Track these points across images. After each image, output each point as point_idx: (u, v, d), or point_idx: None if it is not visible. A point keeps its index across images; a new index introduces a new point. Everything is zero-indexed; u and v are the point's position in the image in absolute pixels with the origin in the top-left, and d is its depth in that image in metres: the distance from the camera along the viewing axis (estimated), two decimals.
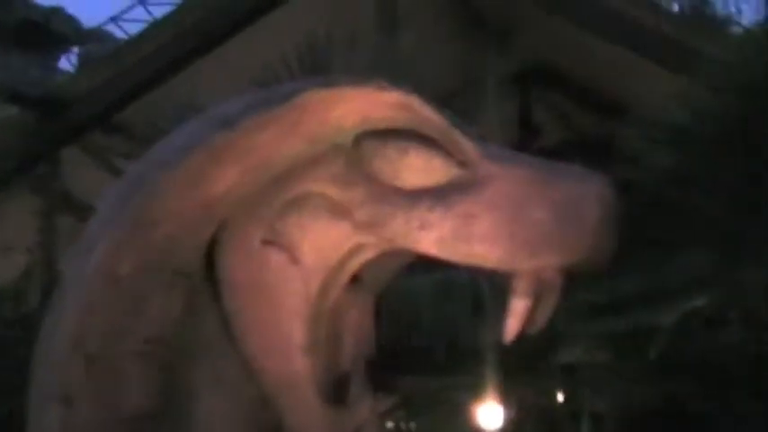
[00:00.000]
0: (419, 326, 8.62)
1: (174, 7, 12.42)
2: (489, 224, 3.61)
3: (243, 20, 11.81)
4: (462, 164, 3.72)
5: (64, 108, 12.24)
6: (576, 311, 7.73)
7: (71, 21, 35.43)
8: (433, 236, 3.67)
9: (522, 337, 3.84)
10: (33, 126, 12.37)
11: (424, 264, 4.05)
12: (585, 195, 3.60)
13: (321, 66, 8.53)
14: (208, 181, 3.82)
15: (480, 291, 8.32)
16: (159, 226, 3.80)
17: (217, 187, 3.85)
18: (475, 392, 8.88)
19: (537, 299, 3.77)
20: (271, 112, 3.78)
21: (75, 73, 16.08)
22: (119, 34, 13.01)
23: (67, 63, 35.07)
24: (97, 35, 35.33)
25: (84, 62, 34.48)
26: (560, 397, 9.39)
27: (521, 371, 8.71)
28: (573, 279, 3.81)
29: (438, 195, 3.68)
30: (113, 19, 11.72)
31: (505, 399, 8.96)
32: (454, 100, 4.97)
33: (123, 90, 12.19)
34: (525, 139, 14.07)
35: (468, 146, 3.71)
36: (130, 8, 11.78)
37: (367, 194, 3.76)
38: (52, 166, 12.74)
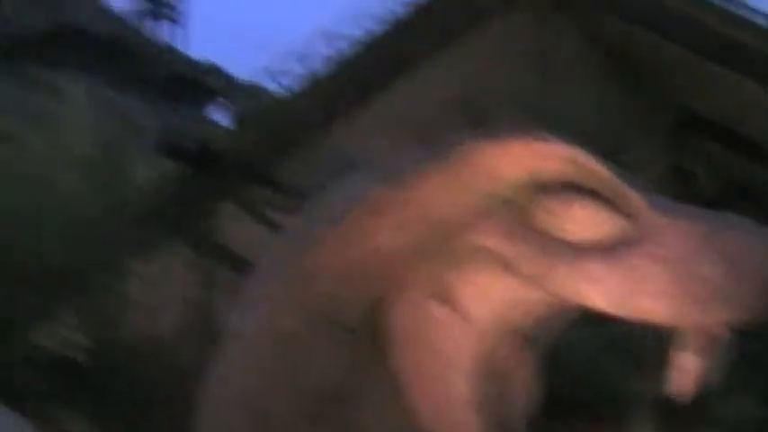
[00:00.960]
0: (581, 378, 8.52)
1: (330, 61, 12.55)
2: (657, 278, 3.53)
3: (399, 72, 11.88)
4: (629, 216, 3.66)
5: (220, 162, 12.44)
6: (739, 365, 7.55)
7: (224, 75, 36.17)
8: (599, 290, 3.60)
9: (685, 391, 3.76)
10: (191, 180, 12.60)
11: (588, 316, 3.99)
12: (756, 249, 3.51)
13: (479, 117, 8.54)
14: (370, 235, 3.82)
15: (642, 344, 8.19)
16: (321, 281, 3.80)
17: (379, 241, 3.84)
18: None
19: (703, 354, 3.69)
20: (435, 166, 3.76)
21: (231, 127, 16.40)
22: (275, 88, 13.21)
23: (220, 116, 35.81)
24: (250, 89, 35.98)
25: (237, 116, 35.18)
26: None
27: (681, 425, 8.55)
28: (736, 332, 3.72)
29: (605, 248, 3.62)
30: (270, 73, 11.90)
31: None
32: (609, 152, 4.91)
33: (279, 144, 12.35)
34: (681, 190, 13.86)
35: (634, 198, 3.65)
36: (287, 63, 11.97)
37: (533, 248, 3.71)
38: (209, 220, 12.92)
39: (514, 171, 3.75)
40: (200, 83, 35.10)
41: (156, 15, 38.38)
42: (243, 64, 39.36)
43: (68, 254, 14.03)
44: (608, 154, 3.87)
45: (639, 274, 3.55)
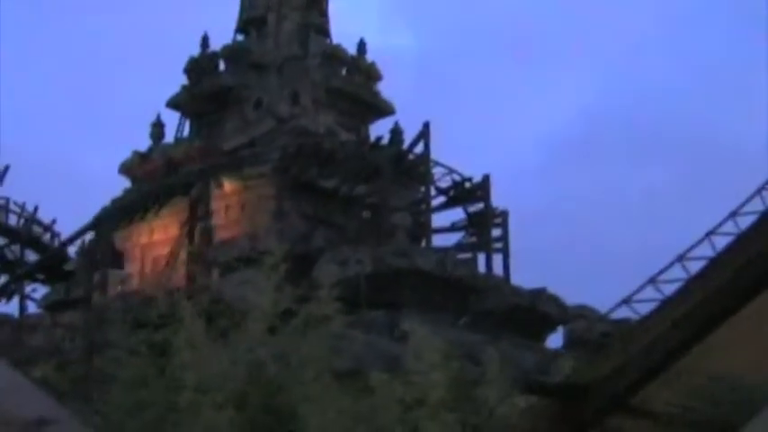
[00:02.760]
0: None
1: (683, 283, 12.36)
2: None
3: (760, 286, 11.54)
4: None
5: (583, 393, 12.28)
6: None
7: (555, 300, 36.34)
8: None
9: None
10: (554, 413, 12.47)
11: None
12: None
13: None
14: None
15: None
16: None
17: None
18: None
19: None
20: None
21: (590, 356, 16.31)
22: (629, 315, 13.11)
23: (556, 341, 35.85)
24: (581, 313, 35.96)
25: (570, 340, 35.11)
26: None
27: None
28: None
29: None
30: (625, 301, 11.84)
31: None
32: None
33: (639, 370, 12.12)
34: None
35: None
36: (641, 289, 11.91)
37: None
38: None
39: None
40: (531, 310, 35.32)
41: (481, 247, 39.10)
42: (570, 287, 39.33)
43: None
44: None
45: None
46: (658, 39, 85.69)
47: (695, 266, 12.06)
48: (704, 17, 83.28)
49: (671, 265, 12.24)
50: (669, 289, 12.67)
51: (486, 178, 39.18)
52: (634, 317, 12.36)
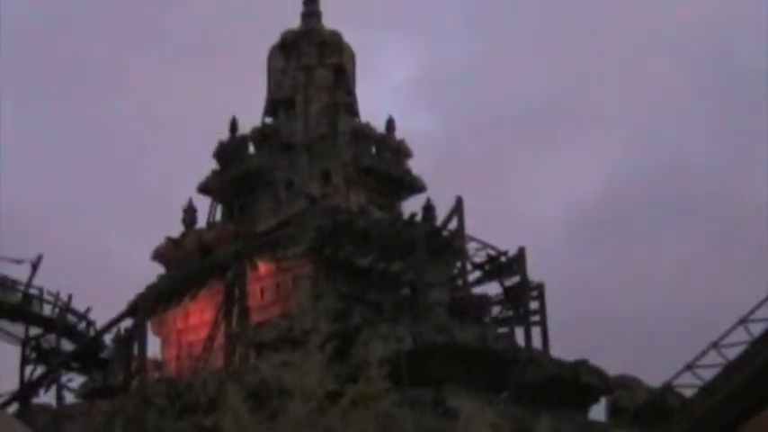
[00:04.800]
0: None
1: (747, 346, 12.19)
2: None
3: None
4: None
5: None
6: None
7: (597, 371, 35.92)
8: None
9: None
10: None
11: None
12: None
13: None
14: None
15: None
16: None
17: None
18: None
19: None
20: None
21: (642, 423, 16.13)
22: (693, 382, 12.89)
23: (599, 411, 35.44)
24: (624, 382, 35.56)
25: (613, 411, 34.69)
26: None
27: None
28: None
29: None
30: (688, 367, 11.64)
31: None
32: None
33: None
34: None
35: None
36: (704, 354, 11.68)
37: None
38: None
39: None
40: (574, 381, 34.97)
41: (519, 320, 38.76)
42: (612, 357, 38.95)
43: None
44: None
45: None
46: (676, 107, 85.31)
47: (758, 329, 11.82)
48: (718, 83, 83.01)
49: (733, 328, 12.02)
50: (733, 353, 12.44)
51: (521, 251, 38.94)
52: (695, 383, 12.15)
